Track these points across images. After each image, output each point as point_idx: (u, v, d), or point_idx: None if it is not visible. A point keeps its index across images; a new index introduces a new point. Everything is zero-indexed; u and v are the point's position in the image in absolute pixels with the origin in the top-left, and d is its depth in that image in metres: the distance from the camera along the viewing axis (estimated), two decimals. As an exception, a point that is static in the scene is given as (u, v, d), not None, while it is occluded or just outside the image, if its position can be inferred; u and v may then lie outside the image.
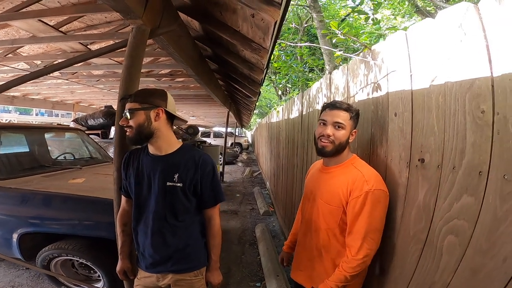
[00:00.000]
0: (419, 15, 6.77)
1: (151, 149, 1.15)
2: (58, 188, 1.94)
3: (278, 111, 4.53)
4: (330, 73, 1.91)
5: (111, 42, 3.77)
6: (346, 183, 1.09)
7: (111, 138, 5.33)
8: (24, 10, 2.39)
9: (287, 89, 8.33)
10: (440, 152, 0.88)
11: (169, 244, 1.13)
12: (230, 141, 13.63)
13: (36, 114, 17.85)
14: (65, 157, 2.87)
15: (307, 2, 4.87)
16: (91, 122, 5.05)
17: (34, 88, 5.30)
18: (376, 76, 1.26)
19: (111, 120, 5.28)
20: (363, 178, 1.06)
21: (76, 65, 4.28)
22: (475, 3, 0.79)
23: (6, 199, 1.91)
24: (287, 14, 1.21)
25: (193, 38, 2.33)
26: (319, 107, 2.15)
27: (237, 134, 17.05)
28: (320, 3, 6.77)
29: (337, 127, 1.11)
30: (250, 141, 19.78)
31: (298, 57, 6.44)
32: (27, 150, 2.73)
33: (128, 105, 1.08)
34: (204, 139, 11.43)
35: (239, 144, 15.69)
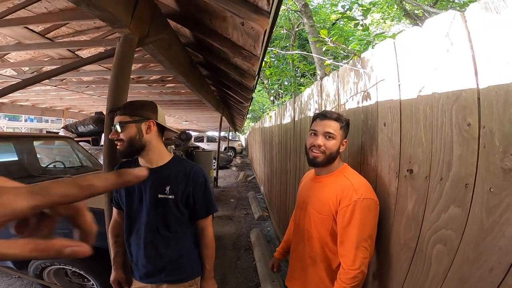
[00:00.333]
0: (407, 18, 6.91)
1: (142, 162, 1.13)
2: None
3: (270, 116, 4.54)
4: (321, 78, 1.91)
5: (100, 48, 3.73)
6: (336, 192, 1.09)
7: (102, 145, 5.24)
8: (9, 17, 2.33)
9: (280, 93, 8.37)
10: (428, 164, 0.89)
11: (162, 255, 1.13)
12: (223, 145, 13.58)
13: (25, 120, 17.46)
14: (54, 165, 2.81)
15: (298, 7, 4.91)
16: (81, 129, 4.96)
17: (22, 94, 5.18)
18: (366, 85, 1.27)
19: (101, 127, 5.19)
20: (352, 188, 1.06)
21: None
22: (462, 11, 0.80)
23: None
24: (276, 21, 1.21)
25: (183, 45, 2.32)
26: (310, 113, 2.16)
27: (230, 138, 17.02)
28: (311, 7, 6.86)
29: (327, 137, 1.12)
30: (244, 145, 19.76)
31: (290, 62, 6.49)
32: (16, 159, 2.67)
33: (118, 118, 1.06)
34: (198, 144, 11.36)
35: (233, 148, 15.65)
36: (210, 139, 15.13)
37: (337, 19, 7.57)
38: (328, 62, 1.49)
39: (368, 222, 1.03)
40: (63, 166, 2.95)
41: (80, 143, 3.98)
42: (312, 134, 1.16)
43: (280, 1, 0.98)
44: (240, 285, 2.45)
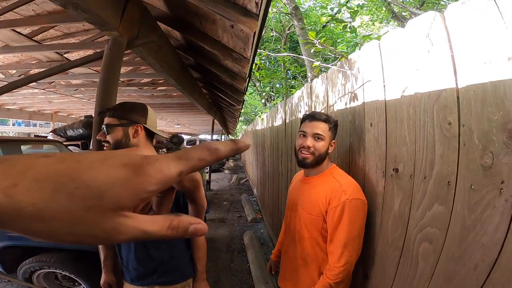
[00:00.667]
0: (395, 20, 7.08)
1: None
2: None
3: (262, 119, 4.55)
4: (311, 80, 1.94)
5: (89, 50, 3.68)
6: (325, 193, 1.10)
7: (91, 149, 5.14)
8: (-6, 19, 2.29)
9: (271, 96, 8.42)
10: (412, 162, 0.91)
11: (153, 257, 1.12)
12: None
13: (13, 124, 17.03)
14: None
15: (289, 9, 4.98)
16: (70, 132, 4.86)
17: (9, 98, 5.06)
18: (353, 86, 1.29)
19: (91, 131, 5.11)
20: (341, 188, 1.07)
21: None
22: (442, 12, 0.82)
23: None
24: (265, 23, 1.23)
25: (174, 48, 2.31)
26: (301, 115, 2.17)
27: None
28: (301, 10, 6.94)
29: (316, 138, 1.13)
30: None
31: (281, 64, 6.55)
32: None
33: (106, 120, 1.05)
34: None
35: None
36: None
37: (327, 22, 7.70)
38: (316, 63, 1.51)
39: (357, 222, 1.05)
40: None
41: (69, 147, 3.91)
42: (301, 135, 1.18)
43: (268, 4, 1.00)
44: (234, 287, 2.44)
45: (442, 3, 6.50)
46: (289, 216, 1.29)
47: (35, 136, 5.85)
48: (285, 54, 2.38)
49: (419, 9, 5.85)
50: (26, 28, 2.66)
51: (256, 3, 1.00)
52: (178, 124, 11.13)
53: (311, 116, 1.17)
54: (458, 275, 0.74)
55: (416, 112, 0.90)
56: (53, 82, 4.18)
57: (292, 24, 6.67)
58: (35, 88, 4.22)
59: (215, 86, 3.56)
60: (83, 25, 3.19)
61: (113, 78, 1.32)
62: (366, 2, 6.80)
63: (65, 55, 3.20)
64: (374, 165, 1.12)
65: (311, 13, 8.91)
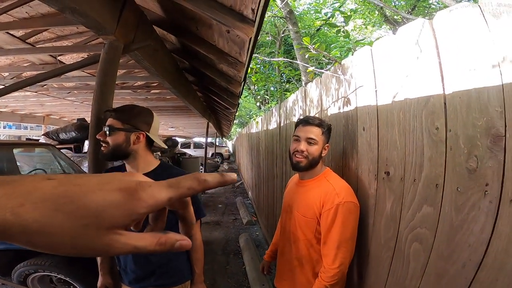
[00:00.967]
0: (387, 24, 7.25)
1: (128, 168, 1.13)
2: None
3: (257, 122, 4.58)
4: (306, 84, 1.98)
5: (83, 53, 3.66)
6: (319, 196, 1.13)
7: (85, 153, 5.09)
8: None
9: (266, 99, 8.48)
10: (402, 166, 0.94)
11: (151, 260, 1.13)
12: (210, 151, 13.49)
13: (4, 127, 16.70)
14: (36, 173, 2.71)
15: (283, 13, 5.04)
16: (63, 136, 4.81)
17: (1, 100, 4.98)
18: (346, 91, 1.33)
19: (84, 134, 5.05)
20: (334, 191, 1.10)
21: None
22: (431, 19, 0.86)
23: None
24: (261, 29, 1.26)
25: (169, 51, 2.33)
26: (296, 119, 2.21)
27: (217, 144, 16.94)
28: (296, 13, 7.03)
29: (310, 142, 1.16)
30: (231, 151, 19.72)
31: (276, 68, 6.61)
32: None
33: (110, 121, 1.04)
34: (185, 150, 11.23)
35: (220, 154, 15.59)
36: (197, 145, 15.02)
37: (321, 25, 7.83)
38: (311, 68, 1.55)
39: (349, 224, 1.08)
40: (44, 174, 2.86)
41: (61, 150, 3.86)
42: (295, 139, 1.20)
43: (264, 11, 1.03)
44: (230, 289, 2.45)
45: (433, 6, 6.68)
46: (285, 218, 1.31)
47: (26, 139, 5.77)
48: (281, 59, 2.42)
49: (410, 14, 6.00)
50: (19, 30, 2.64)
51: (253, 10, 1.03)
52: (172, 127, 11.07)
53: (305, 121, 1.20)
54: (448, 273, 0.77)
55: (406, 117, 0.94)
56: (46, 84, 4.13)
57: (287, 28, 6.75)
58: (28, 91, 4.17)
59: (210, 90, 3.57)
60: (77, 28, 3.18)
61: (109, 82, 1.33)
62: (359, 6, 6.94)
63: (58, 58, 3.18)
64: (367, 169, 1.15)
65: (305, 16, 9.03)
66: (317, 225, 1.14)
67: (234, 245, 3.47)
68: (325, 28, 8.16)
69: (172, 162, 5.44)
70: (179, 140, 13.14)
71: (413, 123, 0.90)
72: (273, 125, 3.23)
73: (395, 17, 6.79)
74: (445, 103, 0.80)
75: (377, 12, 7.01)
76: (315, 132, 1.16)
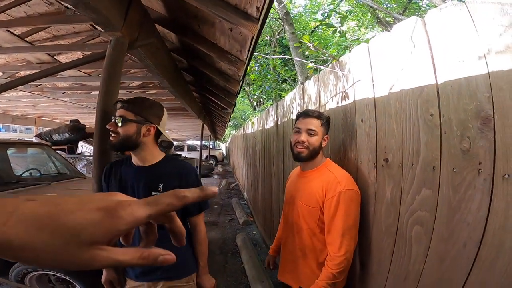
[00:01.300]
0: (380, 25, 7.47)
1: (135, 160, 1.15)
2: None
3: (253, 122, 4.63)
4: (302, 83, 2.04)
5: (78, 53, 3.65)
6: (322, 185, 1.18)
7: (79, 154, 5.03)
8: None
9: (261, 100, 8.56)
10: (400, 152, 1.01)
11: None
12: (204, 154, 13.45)
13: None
14: (31, 173, 2.68)
15: (280, 15, 5.15)
16: (56, 137, 4.75)
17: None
18: (344, 86, 1.39)
19: (78, 135, 5.01)
20: (336, 180, 1.15)
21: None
22: (423, 17, 0.93)
23: None
24: (263, 28, 1.31)
25: (169, 50, 2.36)
26: (293, 116, 2.27)
27: (211, 147, 16.91)
28: (291, 15, 7.17)
29: (310, 133, 1.21)
30: (225, 154, 19.71)
31: (271, 68, 6.71)
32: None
33: (121, 111, 1.06)
34: (178, 152, 11.16)
35: (214, 157, 15.56)
36: (191, 148, 14.95)
37: (316, 27, 8.02)
38: (311, 64, 1.62)
39: (352, 212, 1.13)
40: (39, 174, 2.83)
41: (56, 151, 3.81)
42: (296, 131, 1.26)
43: (268, 9, 1.08)
44: (230, 287, 2.47)
45: (423, 8, 6.93)
46: (287, 210, 1.35)
47: (18, 140, 5.66)
48: (281, 56, 2.48)
49: (402, 15, 6.22)
50: (15, 29, 2.63)
51: (257, 8, 1.08)
52: (166, 130, 11.01)
53: (305, 113, 1.25)
54: (450, 254, 0.80)
55: (402, 106, 1.00)
56: (40, 84, 4.09)
57: (282, 29, 6.88)
58: (21, 91, 4.12)
59: (207, 89, 3.61)
60: (74, 28, 3.18)
61: (115, 78, 1.36)
62: (352, 8, 7.14)
63: (55, 57, 3.17)
64: (366, 158, 1.21)
65: (300, 18, 9.22)
66: (320, 214, 1.18)
67: (231, 244, 3.49)
68: (319, 30, 8.36)
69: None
70: (174, 143, 13.05)
71: (409, 112, 0.97)
72: (269, 124, 3.28)
73: (387, 18, 7.02)
74: (438, 92, 0.87)
75: (369, 14, 7.23)
76: (314, 124, 1.22)
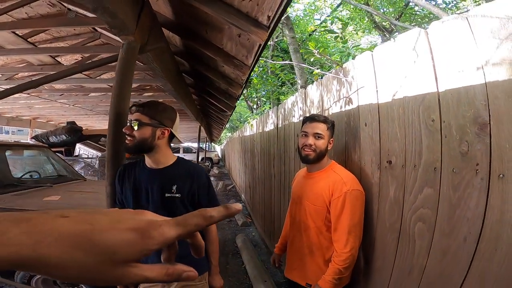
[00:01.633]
0: (376, 30, 7.67)
1: (148, 162, 1.18)
2: (35, 206, 1.86)
3: (252, 125, 4.68)
4: (302, 87, 2.11)
5: (77, 55, 3.65)
6: (328, 185, 1.24)
7: (76, 156, 4.99)
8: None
9: (259, 103, 8.64)
10: (403, 154, 1.07)
11: None
12: (200, 156, 13.43)
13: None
14: (31, 175, 2.67)
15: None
16: (52, 139, 4.71)
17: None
18: (348, 91, 1.46)
19: (75, 137, 4.97)
20: (342, 181, 1.22)
21: (39, 78, 4.04)
22: (425, 28, 1.00)
23: None
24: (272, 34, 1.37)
25: (173, 53, 2.41)
26: (295, 119, 2.33)
27: (206, 149, 16.89)
28: (290, 19, 7.29)
29: (317, 137, 1.28)
30: (220, 156, 19.69)
31: (270, 71, 6.80)
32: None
33: (137, 115, 1.09)
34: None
35: (210, 159, 15.55)
36: (187, 150, 14.92)
37: (313, 31, 8.17)
38: (317, 71, 1.68)
39: (357, 210, 1.19)
40: (38, 176, 2.81)
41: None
42: (303, 135, 1.32)
43: (279, 18, 1.14)
44: (233, 287, 2.50)
45: (418, 13, 7.14)
46: (294, 209, 1.40)
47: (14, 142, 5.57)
48: (286, 62, 2.55)
49: (398, 20, 6.41)
50: (15, 31, 2.63)
51: (269, 17, 1.14)
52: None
53: (311, 118, 1.32)
54: (451, 248, 0.87)
55: (405, 112, 1.07)
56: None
57: (280, 33, 6.98)
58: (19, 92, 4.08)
59: (207, 92, 3.65)
60: (74, 29, 3.19)
61: (127, 81, 1.39)
62: (350, 13, 7.31)
63: (56, 59, 3.17)
64: (370, 160, 1.28)
65: (299, 22, 9.36)
66: (326, 213, 1.24)
67: (231, 245, 3.52)
68: (316, 34, 8.52)
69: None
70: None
71: (412, 117, 1.04)
72: (269, 127, 3.34)
73: (384, 23, 7.21)
74: (439, 99, 0.94)
75: (367, 19, 7.41)
76: (321, 128, 1.28)
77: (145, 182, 1.17)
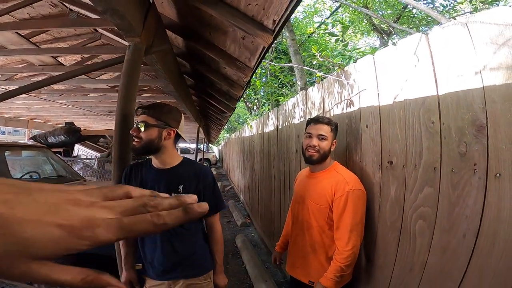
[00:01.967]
0: (375, 32, 7.77)
1: (155, 163, 1.20)
2: None
3: (251, 126, 4.71)
4: (302, 89, 2.14)
5: (77, 55, 3.65)
6: (331, 185, 1.27)
7: (75, 157, 4.98)
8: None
9: (258, 104, 8.68)
10: (404, 155, 1.11)
11: (178, 251, 1.18)
12: (198, 157, 13.42)
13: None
14: (31, 175, 2.67)
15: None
16: (51, 139, 4.69)
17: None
18: (349, 94, 1.50)
19: (73, 137, 4.96)
20: (344, 180, 1.25)
21: (39, 78, 4.02)
22: (426, 33, 1.03)
23: None
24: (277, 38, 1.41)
25: (175, 55, 2.43)
26: (295, 121, 2.37)
27: (204, 150, 16.88)
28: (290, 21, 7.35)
29: (321, 138, 1.31)
30: (218, 157, 19.69)
31: (269, 73, 6.85)
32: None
33: (143, 117, 1.12)
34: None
35: (208, 160, 15.53)
36: (184, 151, 14.90)
37: (312, 33, 8.26)
38: (319, 74, 1.72)
39: (359, 209, 1.22)
40: (38, 177, 2.81)
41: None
42: (307, 136, 1.35)
43: (285, 22, 1.18)
44: (234, 287, 2.52)
45: (416, 15, 7.24)
46: (297, 209, 1.43)
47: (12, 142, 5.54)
48: (290, 64, 2.59)
49: (396, 23, 6.50)
50: (15, 31, 2.64)
51: (274, 21, 1.18)
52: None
53: (316, 120, 1.35)
54: (451, 245, 0.91)
55: (406, 114, 1.11)
56: (37, 86, 4.05)
57: (280, 35, 7.05)
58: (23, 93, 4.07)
59: (207, 93, 3.67)
60: (75, 30, 3.20)
61: (133, 83, 1.41)
62: (349, 15, 7.40)
63: (57, 59, 3.17)
64: (371, 160, 1.31)
65: (299, 24, 9.44)
66: (329, 212, 1.28)
67: (231, 246, 3.54)
68: (315, 35, 8.61)
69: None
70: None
71: (412, 119, 1.08)
72: (269, 128, 3.37)
73: (382, 25, 7.30)
74: (439, 102, 0.98)
75: (365, 21, 7.51)
76: (325, 129, 1.32)
77: (152, 182, 1.19)
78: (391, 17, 7.34)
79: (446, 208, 0.93)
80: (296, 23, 9.24)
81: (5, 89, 3.71)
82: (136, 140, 1.13)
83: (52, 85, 4.39)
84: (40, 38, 3.19)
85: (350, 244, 1.18)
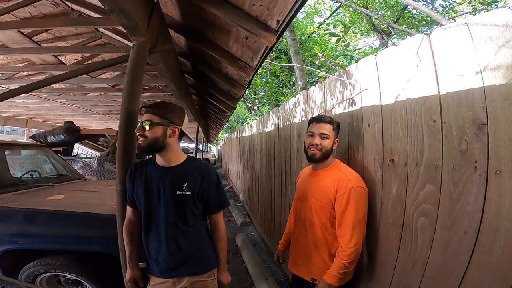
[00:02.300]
0: (375, 32, 7.81)
1: (160, 161, 1.22)
2: (39, 204, 1.87)
3: (251, 125, 4.72)
4: (302, 88, 2.16)
5: (77, 54, 3.65)
6: (333, 183, 1.29)
7: (74, 156, 4.97)
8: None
9: (257, 103, 8.71)
10: (405, 153, 1.13)
11: (183, 249, 1.19)
12: (197, 156, 13.42)
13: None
14: (31, 175, 2.67)
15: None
16: (51, 138, 4.68)
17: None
18: (351, 93, 1.52)
19: (73, 137, 4.95)
20: (346, 178, 1.27)
21: (39, 77, 4.00)
22: (428, 34, 1.05)
23: None
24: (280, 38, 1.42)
25: (177, 54, 2.44)
26: (296, 120, 2.38)
27: (203, 149, 16.87)
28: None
29: (323, 137, 1.33)
30: (217, 156, 19.69)
31: (269, 73, 6.88)
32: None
33: (148, 116, 1.13)
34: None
35: (207, 160, 15.54)
36: (183, 151, 14.89)
37: (312, 33, 8.29)
38: (322, 73, 1.74)
39: (361, 207, 1.24)
40: (38, 176, 2.81)
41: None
42: (309, 135, 1.37)
43: (289, 22, 1.19)
44: (234, 286, 2.53)
45: (415, 16, 7.29)
46: (299, 206, 1.45)
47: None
48: (291, 64, 2.60)
49: (396, 23, 6.55)
50: (15, 31, 2.64)
51: (278, 21, 1.19)
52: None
53: (318, 119, 1.37)
54: (453, 241, 0.92)
55: (408, 113, 1.13)
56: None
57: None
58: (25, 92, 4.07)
59: (208, 93, 3.68)
60: (76, 29, 3.20)
61: (137, 82, 1.42)
62: (349, 15, 7.44)
63: (58, 58, 3.17)
64: (372, 158, 1.33)
65: (298, 24, 9.48)
66: (331, 210, 1.29)
67: (231, 245, 3.55)
68: (315, 35, 8.65)
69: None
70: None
71: (414, 118, 1.10)
72: (270, 127, 3.39)
73: (382, 26, 7.35)
74: (440, 101, 1.00)
75: (365, 21, 7.55)
76: (327, 128, 1.33)
77: (157, 180, 1.20)
78: (391, 18, 7.39)
79: (447, 205, 0.95)
80: (297, 23, 9.28)
81: (5, 88, 3.70)
82: (141, 139, 1.14)
83: (52, 84, 4.40)
84: (40, 37, 3.19)
85: (353, 241, 1.20)
